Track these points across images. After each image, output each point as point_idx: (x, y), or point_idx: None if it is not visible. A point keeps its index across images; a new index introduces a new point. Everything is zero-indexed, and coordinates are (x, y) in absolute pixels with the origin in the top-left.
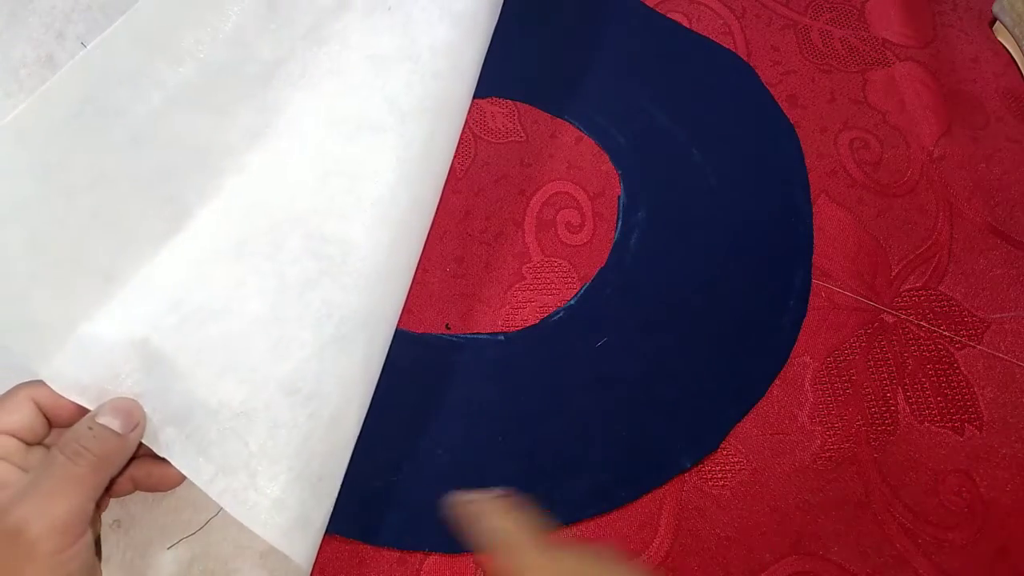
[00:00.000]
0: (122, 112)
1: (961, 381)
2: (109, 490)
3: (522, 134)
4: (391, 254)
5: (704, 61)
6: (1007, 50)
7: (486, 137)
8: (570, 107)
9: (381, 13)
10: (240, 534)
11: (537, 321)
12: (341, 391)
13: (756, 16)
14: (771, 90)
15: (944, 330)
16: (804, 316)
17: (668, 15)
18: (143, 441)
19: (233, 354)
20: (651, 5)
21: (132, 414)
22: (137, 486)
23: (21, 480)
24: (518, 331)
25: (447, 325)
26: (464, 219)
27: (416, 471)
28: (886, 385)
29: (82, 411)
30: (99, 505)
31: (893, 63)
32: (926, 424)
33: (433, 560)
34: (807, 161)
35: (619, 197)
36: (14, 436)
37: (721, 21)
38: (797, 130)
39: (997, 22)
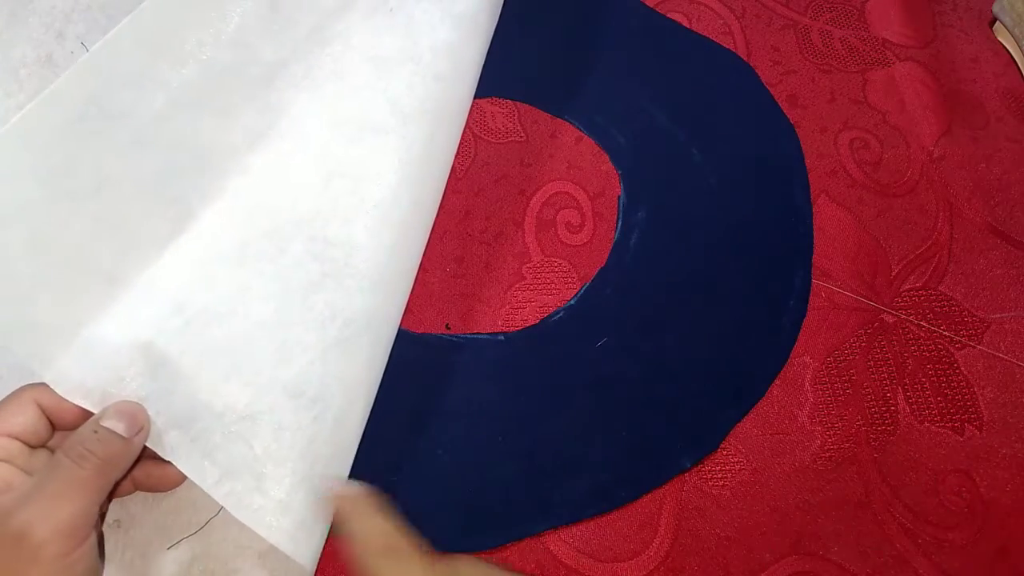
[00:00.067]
0: (125, 114)
1: (961, 381)
2: (112, 492)
3: (522, 134)
4: (393, 256)
5: (704, 61)
6: (1007, 50)
7: (486, 137)
8: (570, 107)
9: (383, 14)
10: (240, 534)
11: (537, 321)
12: (345, 393)
13: (756, 16)
14: (771, 90)
15: (944, 330)
16: (804, 316)
17: (668, 15)
18: (147, 444)
19: (237, 357)
20: (651, 5)
21: (136, 417)
22: (138, 487)
23: (25, 483)
24: (518, 331)
25: (447, 325)
26: (464, 219)
27: (416, 471)
28: (886, 385)
29: (86, 414)
30: (102, 507)
31: (893, 63)
32: (926, 424)
33: None
34: (807, 161)
35: (619, 197)
36: (17, 439)
37: (721, 21)
38: (797, 130)
39: (997, 22)
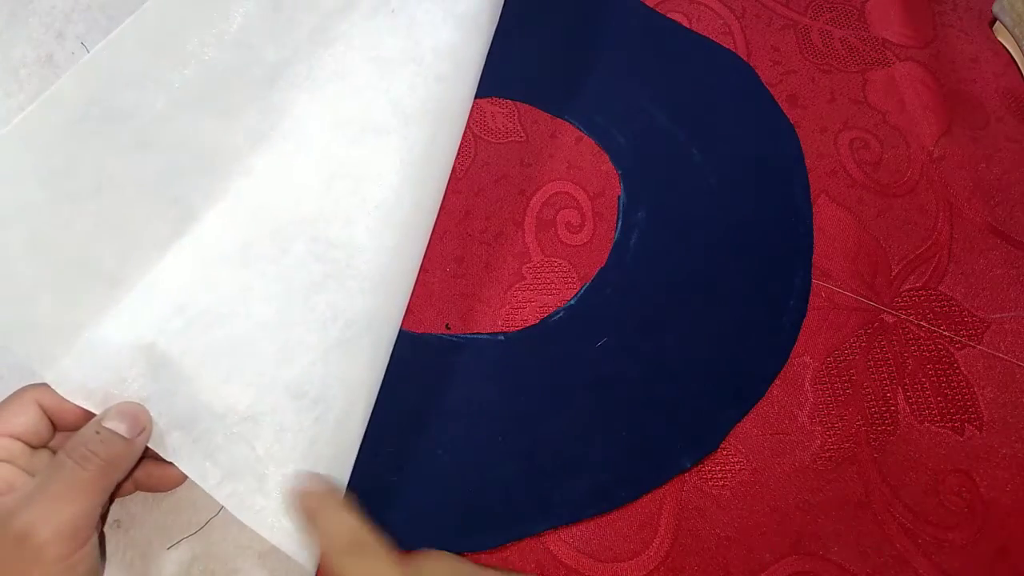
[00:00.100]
0: (127, 115)
1: (961, 381)
2: (113, 493)
3: (522, 134)
4: (395, 257)
5: (704, 61)
6: (1007, 50)
7: (486, 137)
8: (570, 107)
9: (385, 15)
10: (240, 534)
11: (537, 321)
12: (346, 394)
13: (756, 16)
14: (771, 90)
15: (944, 330)
16: (804, 316)
17: (668, 15)
18: (149, 445)
19: (239, 358)
20: (651, 5)
21: (139, 418)
22: (138, 487)
23: (27, 483)
24: (518, 331)
25: (447, 325)
26: (464, 219)
27: (416, 471)
28: (886, 385)
29: (87, 415)
30: (104, 508)
31: (893, 63)
32: (926, 424)
33: None
34: (807, 161)
35: (619, 197)
36: (19, 439)
37: (721, 21)
38: (797, 130)
39: (997, 22)
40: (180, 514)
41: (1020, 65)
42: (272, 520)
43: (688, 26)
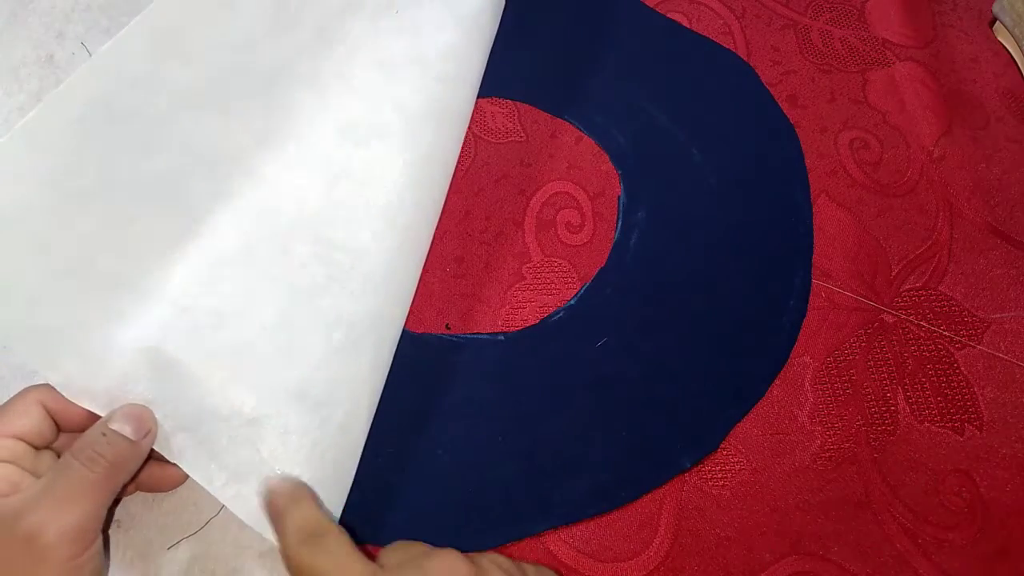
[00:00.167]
0: (131, 116)
1: (961, 381)
2: (118, 495)
3: (522, 134)
4: (398, 259)
5: (704, 61)
6: (1007, 50)
7: (486, 137)
8: (570, 107)
9: (388, 17)
10: (240, 534)
11: (537, 321)
12: (350, 397)
13: (756, 16)
14: (771, 90)
15: (944, 330)
16: (804, 316)
17: (668, 15)
18: (154, 447)
19: (244, 361)
20: (651, 5)
21: (144, 420)
22: (139, 487)
23: (32, 484)
24: (518, 331)
25: (447, 325)
26: (464, 219)
27: (416, 471)
28: (886, 385)
29: (91, 416)
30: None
31: (893, 63)
32: (926, 424)
33: None
34: (807, 161)
35: (619, 197)
36: (23, 440)
37: (721, 21)
38: (797, 130)
39: (997, 22)
40: (180, 514)
41: (1020, 65)
42: None
43: (688, 26)
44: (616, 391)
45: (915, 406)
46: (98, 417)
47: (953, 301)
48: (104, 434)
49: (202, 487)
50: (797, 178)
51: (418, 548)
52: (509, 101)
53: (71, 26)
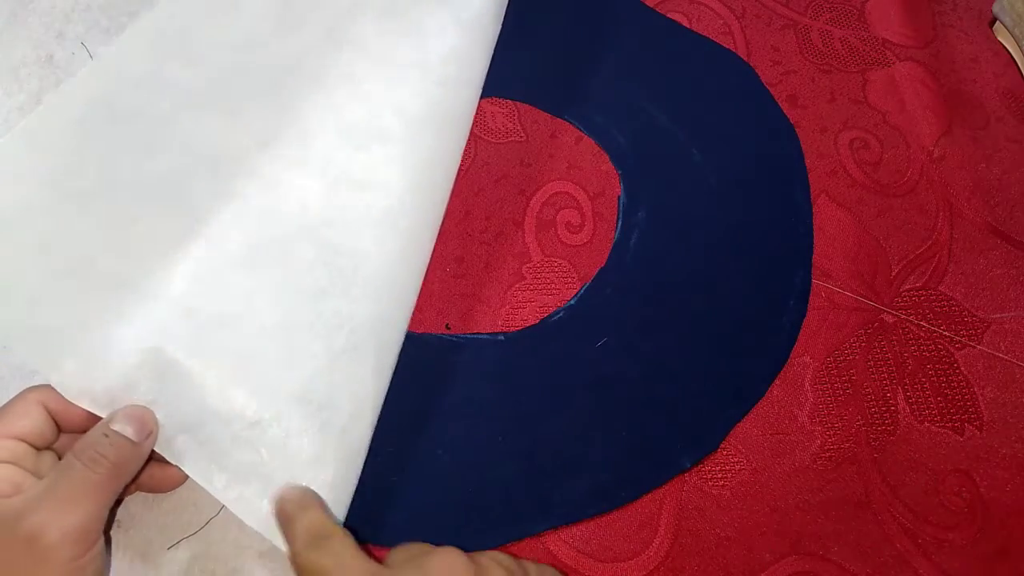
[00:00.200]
0: (134, 116)
1: (961, 381)
2: (120, 496)
3: (522, 134)
4: (400, 263)
5: (704, 61)
6: (1007, 50)
7: (486, 137)
8: (570, 107)
9: (393, 19)
10: (240, 534)
11: (537, 321)
12: (352, 401)
13: (756, 16)
14: (771, 90)
15: (944, 330)
16: (804, 316)
17: (668, 15)
18: (156, 449)
19: (245, 363)
20: (651, 5)
21: (145, 421)
22: (139, 487)
23: (34, 485)
24: (518, 331)
25: (447, 325)
26: (464, 219)
27: (416, 471)
28: (886, 385)
29: (92, 417)
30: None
31: (893, 63)
32: (926, 424)
33: None
34: (807, 161)
35: (619, 197)
36: (24, 440)
37: (721, 21)
38: (797, 130)
39: (997, 22)
40: (180, 514)
41: (1020, 65)
42: None
43: (688, 26)
44: (616, 391)
45: (915, 406)
46: (98, 418)
47: (953, 301)
48: (106, 435)
49: (202, 487)
50: (797, 178)
51: (420, 547)
52: (509, 101)
53: (71, 26)
